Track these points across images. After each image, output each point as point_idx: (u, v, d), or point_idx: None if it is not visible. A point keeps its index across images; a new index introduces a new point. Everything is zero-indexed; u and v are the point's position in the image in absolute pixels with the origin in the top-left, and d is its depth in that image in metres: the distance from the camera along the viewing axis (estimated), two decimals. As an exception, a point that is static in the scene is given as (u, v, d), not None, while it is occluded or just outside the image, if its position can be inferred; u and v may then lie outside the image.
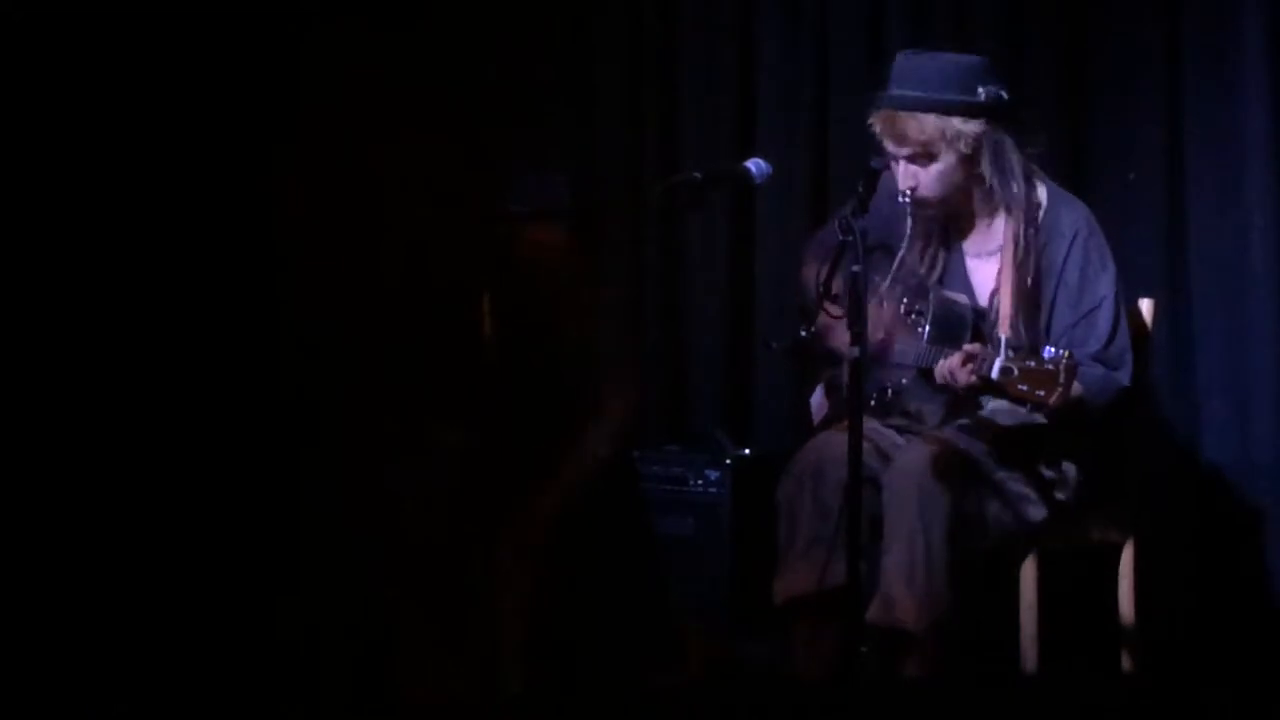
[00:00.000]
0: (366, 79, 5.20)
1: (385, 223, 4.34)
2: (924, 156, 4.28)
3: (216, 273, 5.04)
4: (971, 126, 4.26)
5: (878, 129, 4.29)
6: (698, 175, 4.07)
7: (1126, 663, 4.49)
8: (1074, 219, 4.36)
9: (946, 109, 4.25)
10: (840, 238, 3.92)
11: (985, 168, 4.31)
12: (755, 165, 4.10)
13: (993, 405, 4.35)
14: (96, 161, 5.10)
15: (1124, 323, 4.31)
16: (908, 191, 4.29)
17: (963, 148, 4.27)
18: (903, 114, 4.26)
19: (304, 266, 4.51)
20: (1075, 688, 4.31)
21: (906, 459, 4.27)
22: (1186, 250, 5.06)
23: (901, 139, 4.27)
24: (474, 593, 4.05)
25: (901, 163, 4.30)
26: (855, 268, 3.86)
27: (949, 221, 4.43)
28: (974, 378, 4.09)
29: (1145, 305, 4.57)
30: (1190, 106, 5.06)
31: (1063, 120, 5.19)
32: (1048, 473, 4.34)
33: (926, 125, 4.26)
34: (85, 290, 5.01)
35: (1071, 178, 4.95)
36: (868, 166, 4.12)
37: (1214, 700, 4.18)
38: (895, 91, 4.29)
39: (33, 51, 5.04)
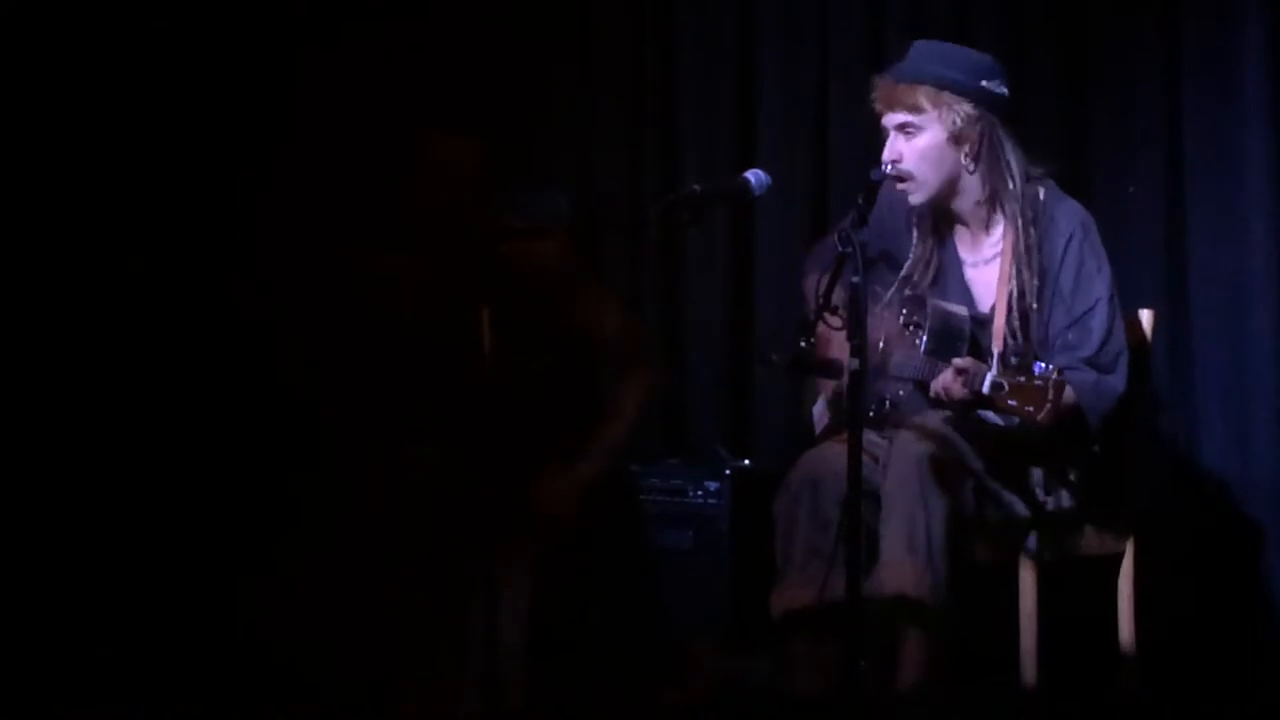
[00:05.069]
0: (365, 83, 5.20)
1: (384, 233, 4.34)
2: (912, 127, 4.29)
3: (216, 281, 5.05)
4: (963, 106, 4.28)
5: (874, 97, 4.33)
6: (697, 189, 4.05)
7: (1125, 676, 4.48)
8: (1070, 220, 4.35)
9: (939, 83, 4.28)
10: (840, 249, 3.90)
11: (976, 159, 4.30)
12: (754, 177, 4.06)
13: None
14: (97, 167, 5.11)
15: (1119, 325, 4.31)
16: (889, 165, 4.30)
17: (952, 123, 4.28)
18: (900, 84, 4.30)
19: (302, 277, 4.51)
20: (1074, 701, 4.32)
21: (907, 438, 4.24)
22: (1186, 262, 5.05)
23: (892, 102, 4.30)
24: (474, 606, 4.05)
25: (890, 135, 4.31)
26: (855, 279, 3.84)
27: (944, 224, 4.41)
28: (967, 392, 4.09)
29: (1145, 317, 4.56)
30: (1190, 109, 5.06)
31: (1063, 121, 5.18)
32: (1042, 480, 4.34)
33: (919, 92, 4.28)
34: (80, 296, 5.03)
35: (1071, 179, 4.93)
36: (867, 179, 4.10)
37: (1213, 715, 4.18)
38: (899, 66, 4.35)
39: (32, 52, 5.05)
